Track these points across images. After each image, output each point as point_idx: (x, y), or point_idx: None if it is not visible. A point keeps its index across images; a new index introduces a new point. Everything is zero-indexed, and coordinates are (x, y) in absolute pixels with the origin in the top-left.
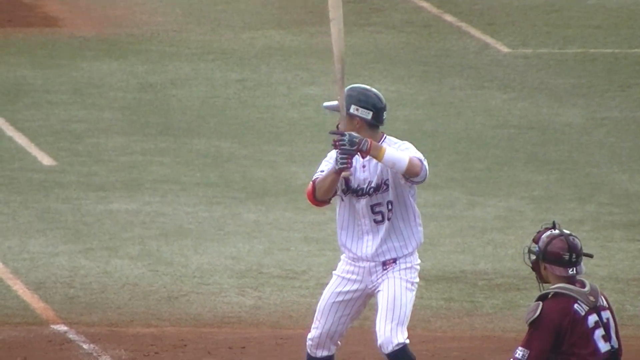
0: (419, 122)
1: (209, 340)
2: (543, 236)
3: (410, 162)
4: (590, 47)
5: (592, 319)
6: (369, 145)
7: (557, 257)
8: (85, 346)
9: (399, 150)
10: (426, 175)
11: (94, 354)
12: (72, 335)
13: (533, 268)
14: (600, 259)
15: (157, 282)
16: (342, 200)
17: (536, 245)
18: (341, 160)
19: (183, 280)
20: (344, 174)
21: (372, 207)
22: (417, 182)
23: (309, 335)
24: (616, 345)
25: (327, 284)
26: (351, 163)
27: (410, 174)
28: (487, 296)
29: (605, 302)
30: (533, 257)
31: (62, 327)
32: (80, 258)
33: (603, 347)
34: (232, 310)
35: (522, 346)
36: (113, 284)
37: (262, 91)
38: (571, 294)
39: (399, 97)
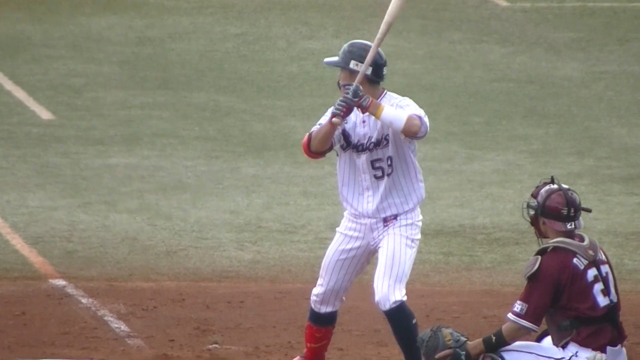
0: (418, 76)
1: (208, 295)
2: (542, 191)
3: (408, 121)
4: (589, 0)
5: (592, 273)
6: (369, 102)
7: (555, 212)
8: (84, 300)
9: (398, 109)
10: (427, 131)
11: (93, 308)
12: (70, 290)
13: (532, 223)
14: (599, 212)
15: (156, 236)
16: (341, 155)
17: (535, 200)
18: (337, 106)
19: (182, 234)
20: (334, 120)
21: (372, 162)
22: (418, 138)
23: (314, 292)
24: (615, 300)
25: (327, 239)
26: (346, 112)
27: (408, 133)
28: (485, 250)
29: (604, 257)
30: (532, 212)
31: (61, 282)
32: (78, 212)
33: (602, 301)
34: (230, 265)
35: (520, 300)
36: (112, 239)
37: (261, 45)
38: (570, 247)
39: (398, 50)
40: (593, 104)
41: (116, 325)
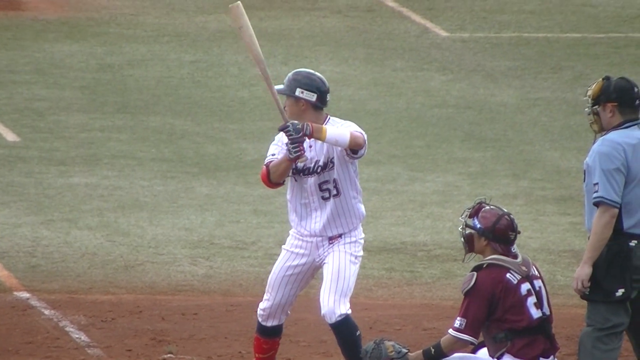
0: (363, 102)
1: (163, 307)
2: (483, 213)
3: (352, 135)
4: (524, 31)
5: (525, 287)
6: (310, 129)
7: (504, 236)
8: (46, 312)
9: (340, 127)
10: (366, 148)
11: (55, 320)
12: (34, 302)
13: (466, 241)
14: (533, 231)
15: (115, 251)
16: (290, 178)
17: (474, 220)
18: (294, 150)
19: (139, 250)
20: (299, 161)
21: (319, 185)
22: (359, 157)
23: (261, 306)
24: (548, 312)
25: (276, 255)
26: (303, 149)
27: (354, 147)
28: (426, 266)
29: (537, 272)
30: (469, 231)
31: (25, 294)
32: (42, 229)
33: (535, 313)
34: (185, 279)
35: (459, 316)
36: (73, 254)
37: (214, 72)
38: (504, 264)
39: (344, 77)
40: (528, 128)
41: (77, 336)
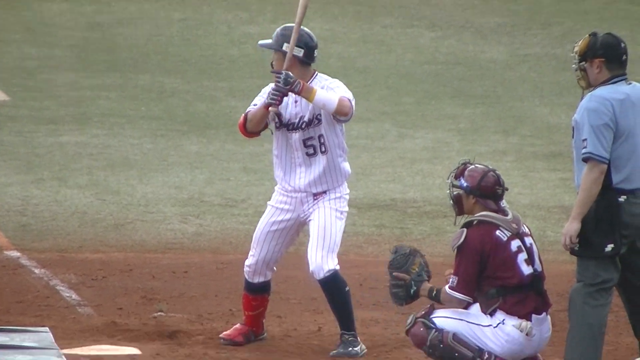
0: (352, 59)
1: (154, 265)
2: (469, 172)
3: (340, 102)
4: None
5: (515, 243)
6: (300, 87)
7: (491, 192)
8: (36, 271)
9: (329, 91)
10: (352, 115)
11: (45, 278)
12: (24, 261)
13: (455, 202)
14: (523, 187)
15: (105, 210)
16: (275, 133)
17: (460, 180)
18: (272, 96)
19: (129, 208)
20: (271, 108)
21: (304, 141)
22: (345, 121)
23: (247, 263)
24: (539, 269)
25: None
26: (281, 101)
27: (339, 114)
28: (416, 223)
29: (527, 230)
30: (457, 191)
31: (15, 253)
32: (32, 188)
33: (526, 270)
34: (175, 237)
35: (452, 274)
36: (63, 212)
37: (204, 30)
38: (493, 221)
39: (333, 35)
40: (517, 85)
41: (67, 294)
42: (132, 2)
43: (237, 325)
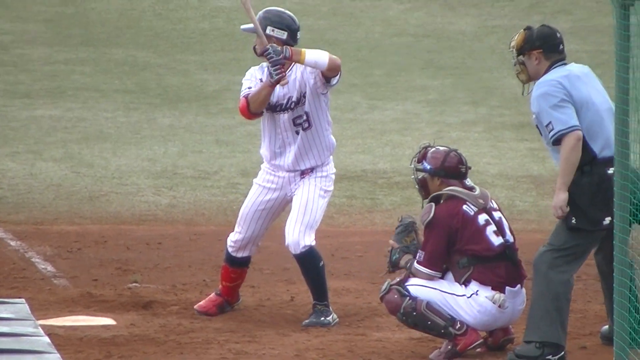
0: (322, 31)
1: (128, 237)
2: (431, 154)
3: (331, 59)
4: None
5: (482, 217)
6: (290, 51)
7: (455, 171)
8: (12, 243)
9: (317, 50)
10: (340, 76)
11: (21, 250)
12: (0, 234)
13: (421, 185)
14: (492, 157)
15: (79, 183)
16: (264, 114)
17: (423, 164)
18: (275, 72)
19: (103, 181)
20: (281, 83)
21: (293, 120)
22: (333, 85)
23: (232, 238)
24: (511, 240)
25: (238, 184)
26: (285, 72)
27: (332, 71)
28: (386, 193)
29: (496, 206)
30: (422, 175)
31: None
32: (7, 161)
33: (496, 240)
34: (149, 209)
35: (421, 249)
36: (38, 185)
37: (175, 4)
38: (461, 196)
39: (303, 8)
40: (486, 56)
41: (43, 266)
42: None
43: (211, 296)
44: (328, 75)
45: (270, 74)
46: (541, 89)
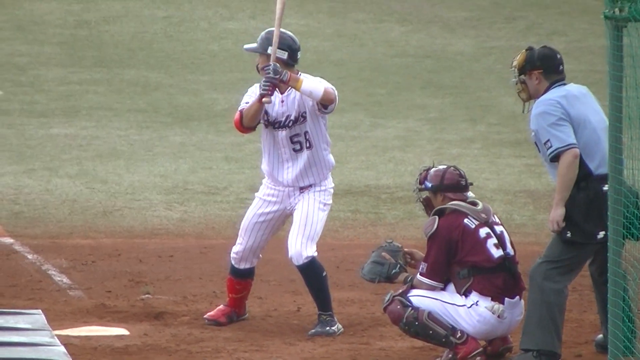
0: (327, 53)
1: (140, 250)
2: (430, 174)
3: (326, 90)
4: None
5: (483, 231)
6: (288, 76)
7: (455, 185)
8: (29, 256)
9: (315, 80)
10: (336, 104)
11: (37, 263)
12: (17, 247)
13: (426, 204)
14: (490, 173)
15: (94, 198)
16: (263, 129)
17: (425, 183)
18: (264, 86)
19: (117, 196)
20: (264, 100)
21: (291, 137)
22: (329, 112)
23: (234, 250)
24: (511, 253)
25: (247, 199)
26: (272, 91)
27: (326, 101)
28: (389, 208)
29: (497, 220)
30: (424, 193)
31: (9, 240)
32: (24, 178)
33: (496, 252)
34: (160, 223)
35: (423, 260)
36: (54, 201)
37: (186, 26)
38: (463, 210)
39: (308, 30)
40: (484, 75)
41: (58, 278)
42: (118, 1)
43: (221, 307)
44: (322, 103)
45: (260, 86)
46: (540, 107)
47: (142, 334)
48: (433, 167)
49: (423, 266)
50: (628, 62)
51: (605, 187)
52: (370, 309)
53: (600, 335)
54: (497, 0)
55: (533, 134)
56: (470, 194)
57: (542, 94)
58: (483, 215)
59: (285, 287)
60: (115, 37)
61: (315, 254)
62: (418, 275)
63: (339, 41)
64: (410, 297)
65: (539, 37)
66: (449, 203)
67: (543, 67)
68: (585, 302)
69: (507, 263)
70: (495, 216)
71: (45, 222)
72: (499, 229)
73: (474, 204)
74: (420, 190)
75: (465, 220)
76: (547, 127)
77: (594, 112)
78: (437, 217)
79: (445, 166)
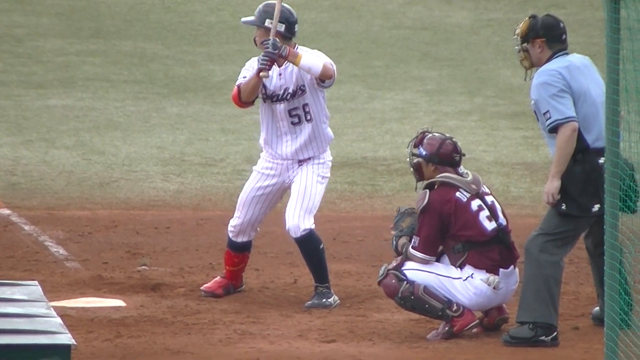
0: (324, 24)
1: (137, 222)
2: (427, 140)
3: (324, 66)
4: None
5: (475, 203)
6: (287, 51)
7: (449, 159)
8: (26, 227)
9: (314, 56)
10: (335, 79)
11: (34, 235)
12: (14, 218)
13: (416, 168)
14: (487, 145)
15: (90, 169)
16: (262, 103)
17: (420, 149)
18: (262, 61)
19: (113, 168)
20: (261, 74)
21: (289, 111)
22: (327, 86)
23: (231, 223)
24: (504, 223)
25: (243, 171)
26: (270, 65)
27: (324, 77)
28: (386, 180)
29: (487, 190)
30: (417, 159)
31: (6, 211)
32: (21, 149)
33: (489, 225)
34: (157, 195)
35: (415, 234)
36: (51, 172)
37: None
38: (454, 182)
39: (306, 2)
40: (482, 48)
41: (55, 250)
42: None
43: (217, 278)
44: (320, 81)
45: (259, 60)
46: (541, 77)
47: (139, 306)
48: (430, 132)
49: (415, 240)
50: (625, 35)
51: (601, 160)
52: (367, 281)
53: (597, 308)
54: None
55: (533, 102)
56: (461, 168)
57: (545, 63)
58: (474, 186)
59: (282, 260)
60: (112, 8)
61: (313, 226)
62: (410, 249)
63: (336, 13)
64: (404, 271)
65: (536, 10)
66: (439, 175)
67: (546, 36)
68: (582, 274)
69: (501, 234)
70: (484, 186)
71: (42, 193)
72: (489, 199)
73: (464, 175)
74: (413, 154)
75: (457, 194)
76: (547, 98)
77: (595, 85)
78: (427, 190)
79: (441, 136)
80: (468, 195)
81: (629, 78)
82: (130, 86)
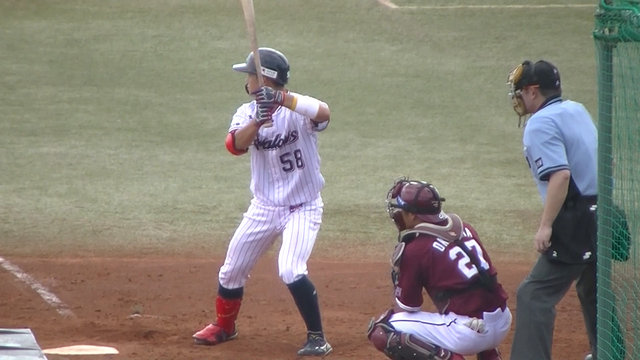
0: (317, 72)
1: (130, 269)
2: (405, 189)
3: (321, 107)
4: (470, 3)
5: (454, 251)
6: (282, 97)
7: (428, 206)
8: (19, 275)
9: (309, 98)
10: (328, 122)
11: (27, 282)
12: (7, 266)
13: (396, 219)
14: (480, 193)
15: (83, 217)
16: (253, 149)
17: (397, 199)
18: (262, 113)
19: (106, 215)
20: (264, 125)
21: (281, 157)
22: (321, 129)
23: (222, 270)
24: (486, 267)
25: (236, 218)
26: (271, 115)
27: (321, 118)
28: (378, 227)
29: (468, 233)
30: (396, 210)
31: None
32: (13, 196)
33: (469, 273)
34: (150, 242)
35: (397, 285)
36: (43, 219)
37: (176, 45)
38: (431, 233)
39: (299, 49)
40: (474, 95)
41: (48, 297)
42: (108, 19)
43: (210, 326)
44: (316, 121)
45: (257, 113)
46: (534, 124)
47: (132, 353)
48: (407, 181)
49: (398, 290)
50: (617, 82)
51: (593, 208)
52: (359, 329)
53: (589, 355)
54: (488, 20)
55: (525, 149)
56: (442, 214)
57: (538, 109)
58: (452, 233)
59: (274, 307)
60: (105, 55)
61: (306, 272)
62: (395, 299)
63: (329, 60)
64: (392, 322)
65: (529, 57)
66: (417, 226)
67: (540, 82)
68: (574, 321)
69: (482, 279)
70: (466, 230)
71: (35, 240)
72: (469, 244)
73: (443, 222)
74: (392, 205)
75: (434, 244)
76: (539, 145)
77: (587, 132)
78: (404, 243)
79: (418, 184)
80: (446, 244)
81: (621, 125)
82: (124, 134)
